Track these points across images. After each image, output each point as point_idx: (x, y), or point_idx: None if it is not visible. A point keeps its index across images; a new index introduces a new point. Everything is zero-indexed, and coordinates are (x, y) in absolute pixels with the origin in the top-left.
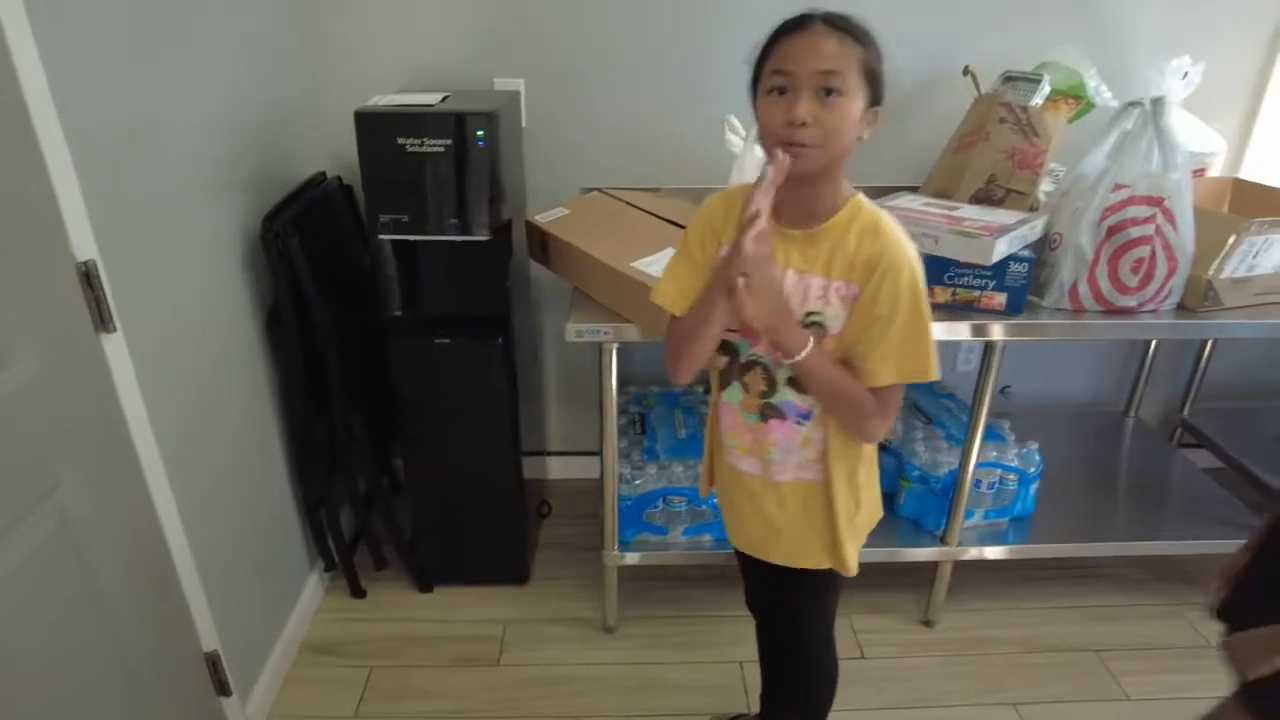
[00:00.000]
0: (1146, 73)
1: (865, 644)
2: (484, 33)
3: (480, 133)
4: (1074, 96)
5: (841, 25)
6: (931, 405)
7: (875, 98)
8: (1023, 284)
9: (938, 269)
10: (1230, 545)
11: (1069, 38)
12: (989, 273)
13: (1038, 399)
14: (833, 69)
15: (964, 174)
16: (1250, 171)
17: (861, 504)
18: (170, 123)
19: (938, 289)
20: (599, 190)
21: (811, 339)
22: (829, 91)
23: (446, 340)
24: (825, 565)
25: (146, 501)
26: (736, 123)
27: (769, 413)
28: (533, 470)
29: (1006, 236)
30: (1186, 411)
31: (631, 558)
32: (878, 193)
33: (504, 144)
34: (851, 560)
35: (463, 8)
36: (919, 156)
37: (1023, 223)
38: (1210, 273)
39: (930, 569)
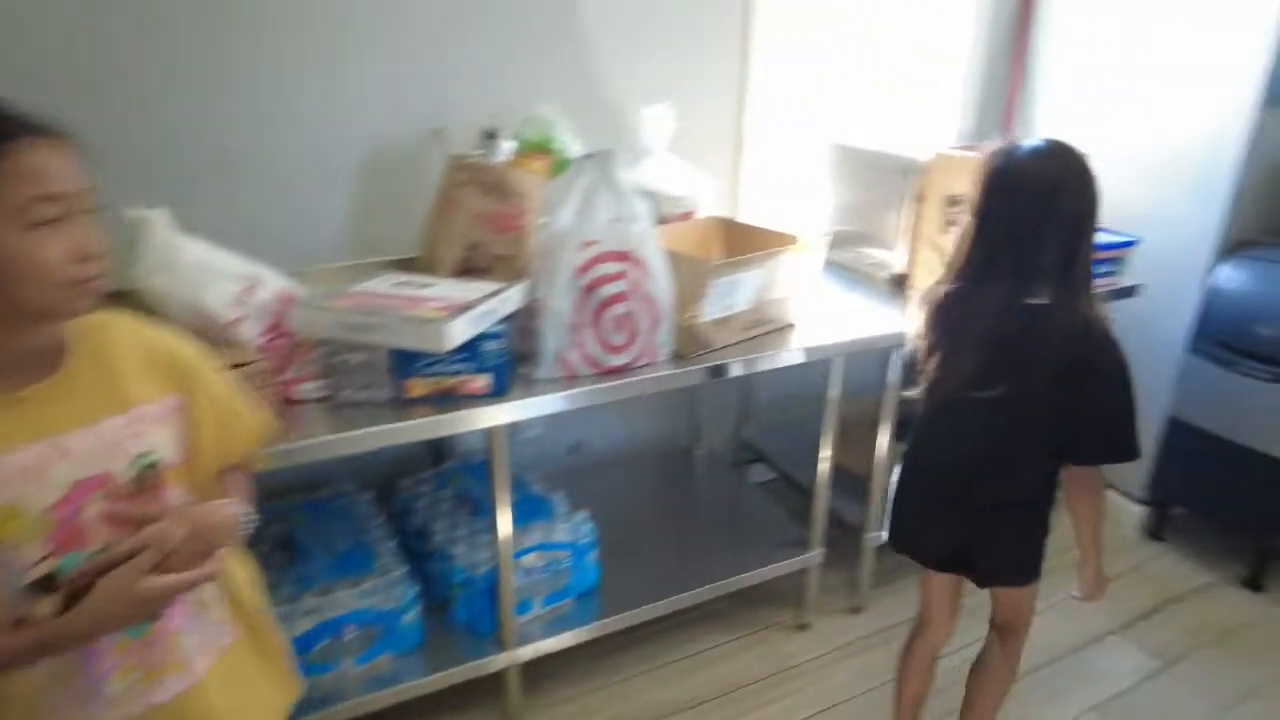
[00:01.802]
0: (626, 120)
1: None
2: None
3: None
4: (545, 151)
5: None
6: (482, 491)
7: None
8: (502, 362)
9: (406, 361)
10: (795, 565)
11: (554, 90)
12: (463, 355)
13: (614, 447)
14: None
15: (443, 243)
16: (745, 209)
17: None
18: None
19: (415, 382)
20: None
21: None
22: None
23: None
24: None
25: None
26: None
27: None
28: None
29: (466, 316)
30: (746, 434)
31: None
32: (370, 270)
33: None
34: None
35: None
36: (418, 226)
37: (491, 295)
38: (693, 318)
39: (499, 678)
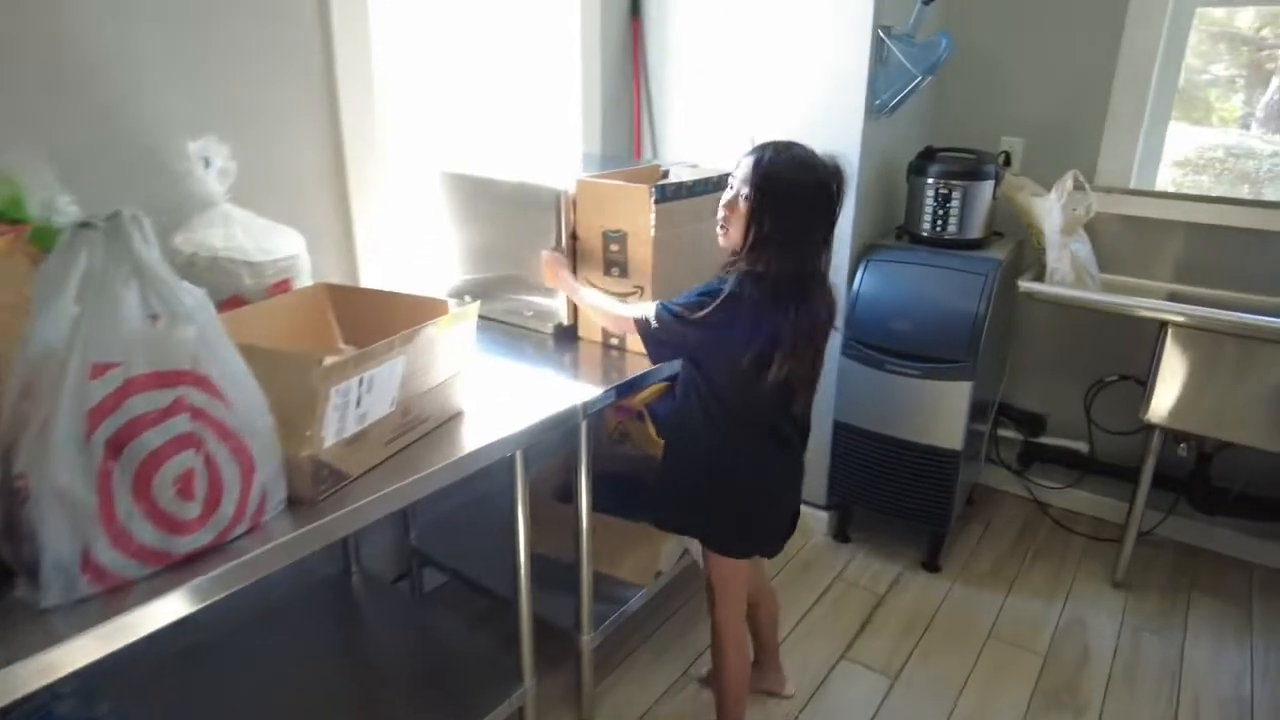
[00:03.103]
0: (169, 166)
1: None
2: None
3: None
4: (12, 220)
5: None
6: None
7: None
8: None
9: None
10: (507, 710)
11: (38, 130)
12: None
13: (234, 604)
14: None
15: None
16: (368, 269)
17: None
18: None
19: None
20: None
21: None
22: None
23: None
24: None
25: None
26: None
27: None
28: None
29: None
30: (412, 539)
31: None
32: None
33: None
34: None
35: None
36: None
37: None
38: (310, 445)
39: None
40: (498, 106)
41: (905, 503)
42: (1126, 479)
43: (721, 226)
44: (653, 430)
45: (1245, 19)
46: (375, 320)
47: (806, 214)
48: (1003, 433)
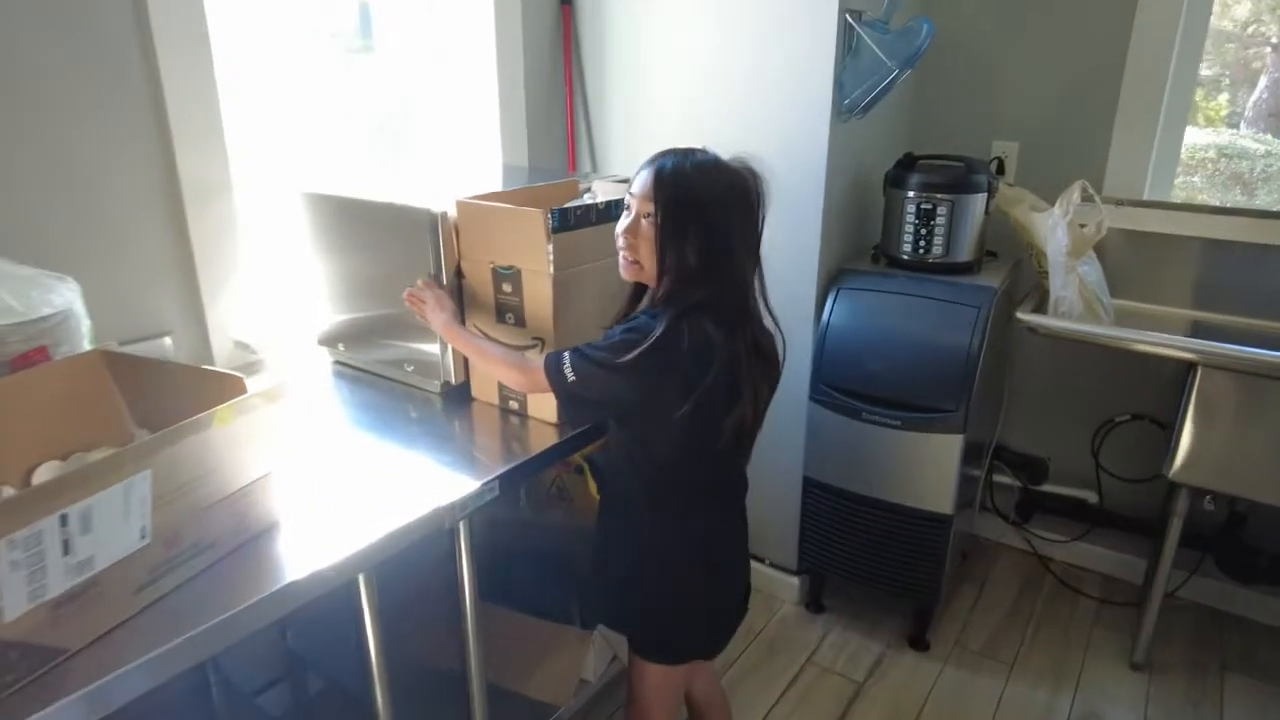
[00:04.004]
0: None
1: None
2: None
3: None
4: None
5: None
6: None
7: None
8: None
9: None
10: None
11: None
12: None
13: None
14: None
15: None
16: (215, 312)
17: None
18: None
19: None
20: None
21: None
22: None
23: None
24: None
25: None
26: None
27: None
28: None
29: None
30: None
31: None
32: None
33: None
34: None
35: None
36: None
37: None
38: None
39: None
40: (401, 115)
41: (887, 573)
42: (1140, 532)
43: (626, 258)
44: (594, 486)
45: (1240, 12)
46: (168, 399)
47: (726, 225)
48: (998, 478)
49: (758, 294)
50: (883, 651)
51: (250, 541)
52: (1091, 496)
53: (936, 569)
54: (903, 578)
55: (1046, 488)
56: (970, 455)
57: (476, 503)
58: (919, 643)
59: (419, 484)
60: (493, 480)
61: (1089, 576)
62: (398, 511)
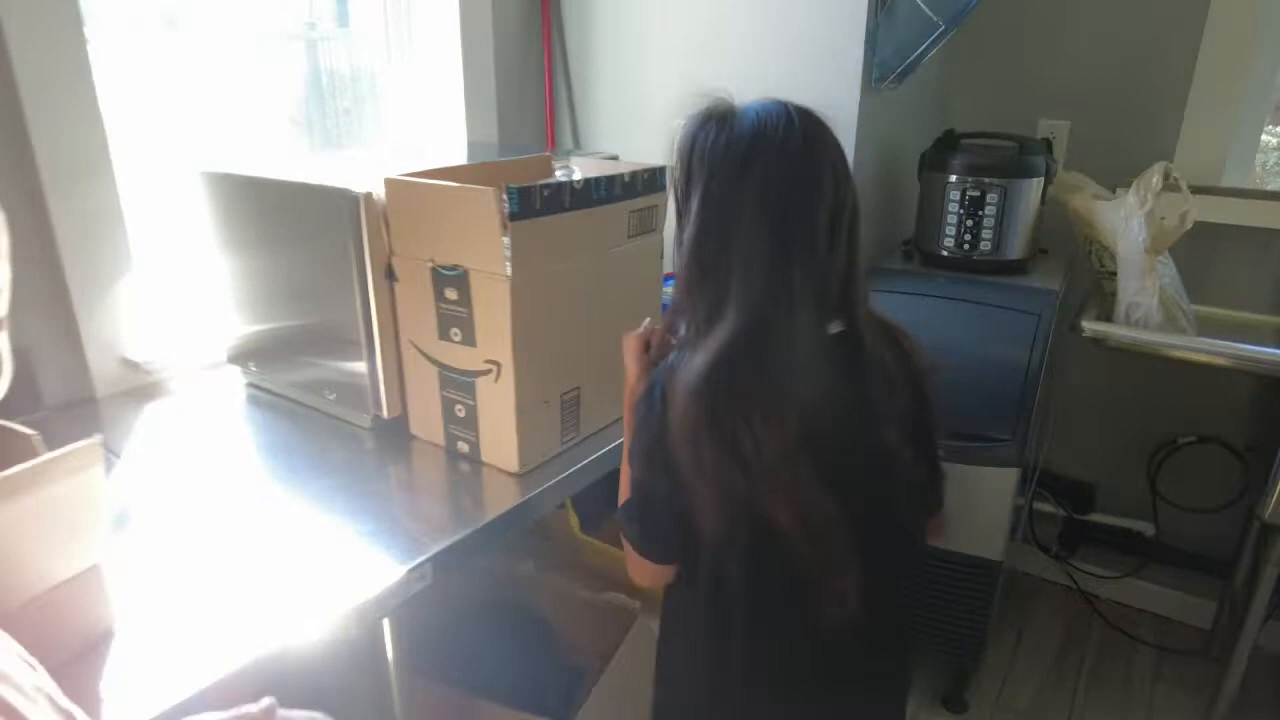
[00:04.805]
0: None
1: None
2: None
3: None
4: None
5: None
6: None
7: None
8: None
9: None
10: None
11: None
12: None
13: None
14: None
15: None
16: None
17: None
18: None
19: None
20: None
21: None
22: None
23: None
24: None
25: None
26: None
27: None
28: None
29: None
30: None
31: None
32: None
33: None
34: None
35: None
36: None
37: None
38: None
39: None
40: (372, 98)
41: (922, 629)
42: (1203, 570)
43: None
44: (576, 524)
45: None
46: None
47: (785, 199)
48: (1039, 505)
49: (855, 309)
50: (914, 713)
51: (70, 662)
52: (1147, 528)
53: (980, 624)
54: (941, 634)
55: (1093, 517)
56: (1020, 488)
57: (398, 597)
58: (955, 703)
59: (324, 567)
60: (423, 564)
61: (1143, 618)
62: (287, 610)
